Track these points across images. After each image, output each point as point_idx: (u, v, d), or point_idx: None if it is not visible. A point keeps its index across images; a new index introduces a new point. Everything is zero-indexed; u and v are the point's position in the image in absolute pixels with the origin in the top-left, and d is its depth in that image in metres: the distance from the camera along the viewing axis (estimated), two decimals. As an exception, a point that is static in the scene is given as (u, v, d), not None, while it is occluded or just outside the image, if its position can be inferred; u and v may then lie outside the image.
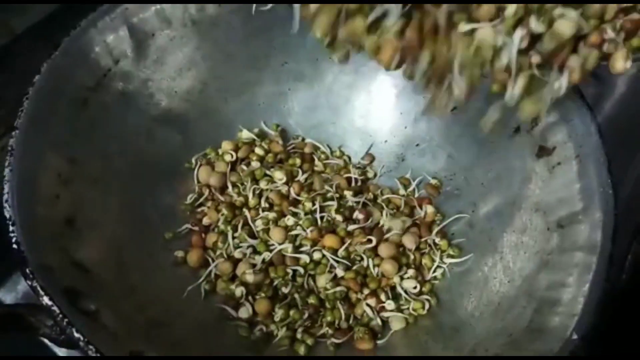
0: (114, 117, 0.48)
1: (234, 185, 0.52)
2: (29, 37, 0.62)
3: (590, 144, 0.44)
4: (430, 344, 0.46)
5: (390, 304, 0.46)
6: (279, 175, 0.51)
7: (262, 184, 0.51)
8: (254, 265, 0.47)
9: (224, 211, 0.49)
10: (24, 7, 0.59)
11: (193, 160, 0.54)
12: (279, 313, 0.45)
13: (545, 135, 0.48)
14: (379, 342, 0.46)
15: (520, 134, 0.50)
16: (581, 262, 0.41)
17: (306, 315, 0.45)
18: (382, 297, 0.47)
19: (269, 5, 0.45)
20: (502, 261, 0.47)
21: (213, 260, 0.48)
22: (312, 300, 0.46)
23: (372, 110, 0.57)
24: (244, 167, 0.53)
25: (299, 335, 0.45)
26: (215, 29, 0.52)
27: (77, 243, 0.41)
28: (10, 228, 0.36)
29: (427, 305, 0.48)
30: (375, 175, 0.57)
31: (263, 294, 0.45)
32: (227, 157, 0.53)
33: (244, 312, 0.45)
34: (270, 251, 0.47)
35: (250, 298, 0.46)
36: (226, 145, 0.54)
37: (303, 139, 0.57)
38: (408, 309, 0.48)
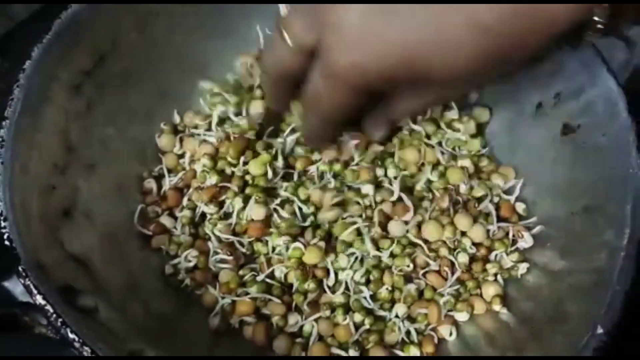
0: (110, 100, 0.46)
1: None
2: (31, 22, 0.60)
3: (618, 121, 0.41)
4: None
5: None
6: None
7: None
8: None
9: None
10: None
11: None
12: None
13: (570, 111, 0.44)
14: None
15: (543, 109, 0.47)
16: (608, 248, 0.38)
17: None
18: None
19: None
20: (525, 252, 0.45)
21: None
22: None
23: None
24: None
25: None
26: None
27: (74, 234, 0.39)
28: (2, 224, 0.34)
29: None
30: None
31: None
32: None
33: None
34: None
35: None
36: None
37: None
38: None
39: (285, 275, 0.43)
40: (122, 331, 0.35)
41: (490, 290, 0.43)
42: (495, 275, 0.44)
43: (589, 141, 0.43)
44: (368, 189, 0.45)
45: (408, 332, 0.42)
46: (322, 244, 0.43)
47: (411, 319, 0.43)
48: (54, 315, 0.31)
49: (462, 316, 0.43)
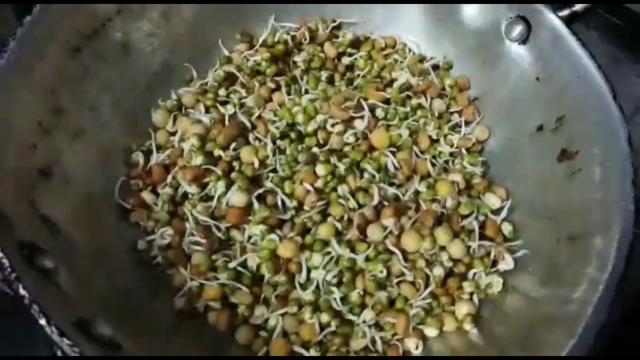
0: (109, 69, 0.46)
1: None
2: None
3: (617, 151, 0.40)
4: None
5: None
6: None
7: None
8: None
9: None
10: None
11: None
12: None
13: (569, 137, 0.43)
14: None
15: (543, 132, 0.46)
16: (589, 280, 0.37)
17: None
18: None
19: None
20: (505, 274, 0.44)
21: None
22: None
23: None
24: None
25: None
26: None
27: (49, 197, 0.39)
28: (-29, 170, 0.34)
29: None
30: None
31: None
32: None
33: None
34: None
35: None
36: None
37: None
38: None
39: (258, 267, 0.42)
40: (78, 296, 0.34)
41: (463, 309, 0.42)
42: (471, 294, 0.43)
43: (584, 169, 0.42)
44: (345, 190, 0.44)
45: (373, 340, 0.41)
46: (299, 239, 0.42)
47: (379, 327, 0.42)
48: (9, 269, 0.31)
49: (431, 331, 0.42)
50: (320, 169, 0.44)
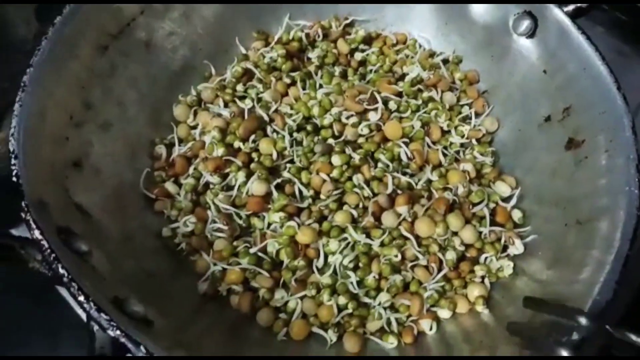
0: (134, 66, 0.48)
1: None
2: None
3: (621, 138, 0.41)
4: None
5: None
6: None
7: None
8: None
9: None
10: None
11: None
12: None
13: (576, 126, 0.45)
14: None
15: (550, 122, 0.47)
16: (595, 261, 0.38)
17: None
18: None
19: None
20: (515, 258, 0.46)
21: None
22: None
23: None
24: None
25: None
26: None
27: (81, 186, 0.41)
28: (13, 161, 0.36)
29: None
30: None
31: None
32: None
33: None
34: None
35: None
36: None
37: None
38: None
39: (277, 252, 0.44)
40: (111, 277, 0.36)
41: (475, 291, 0.44)
42: (483, 277, 0.45)
43: (590, 156, 0.43)
44: (360, 179, 0.46)
45: (389, 321, 0.43)
46: (316, 225, 0.44)
47: (394, 308, 0.44)
48: (48, 250, 0.33)
49: (444, 313, 0.44)
50: (336, 159, 0.46)
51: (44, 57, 0.40)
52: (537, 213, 0.47)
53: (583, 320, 0.33)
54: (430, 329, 0.43)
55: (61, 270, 0.33)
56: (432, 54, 0.56)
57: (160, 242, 0.46)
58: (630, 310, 0.50)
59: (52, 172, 0.39)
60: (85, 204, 0.40)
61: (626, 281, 0.51)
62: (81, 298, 0.32)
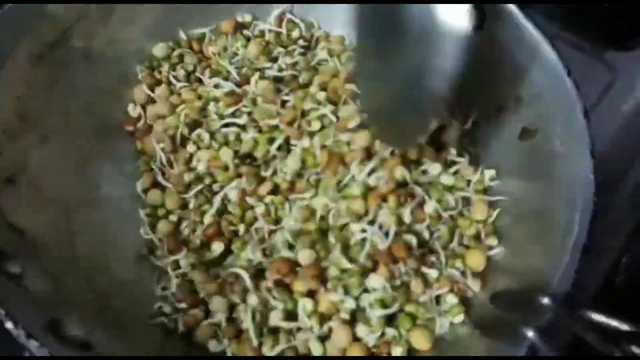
0: (76, 76, 0.46)
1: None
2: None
3: (574, 125, 0.40)
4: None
5: None
6: None
7: None
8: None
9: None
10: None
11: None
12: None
13: (529, 116, 0.44)
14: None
15: (504, 112, 0.47)
16: (553, 251, 0.38)
17: None
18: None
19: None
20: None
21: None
22: None
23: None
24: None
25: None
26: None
27: (16, 204, 0.39)
28: None
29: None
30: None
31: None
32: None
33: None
34: None
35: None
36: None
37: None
38: None
39: None
40: (48, 299, 0.34)
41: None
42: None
43: (545, 146, 0.43)
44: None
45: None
46: None
47: None
48: (-25, 273, 0.31)
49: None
50: None
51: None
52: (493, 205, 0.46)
53: (546, 301, 0.33)
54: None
55: (-10, 294, 0.31)
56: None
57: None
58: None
59: (-20, 189, 0.37)
60: (22, 222, 0.38)
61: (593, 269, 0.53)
62: (8, 325, 0.30)
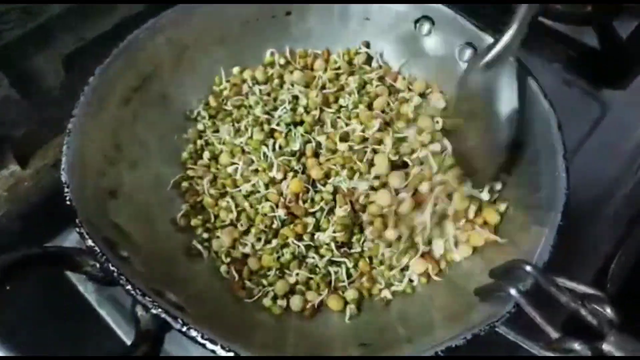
0: (153, 114, 0.59)
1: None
2: (98, 44, 0.70)
3: (549, 136, 0.51)
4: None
5: None
6: None
7: None
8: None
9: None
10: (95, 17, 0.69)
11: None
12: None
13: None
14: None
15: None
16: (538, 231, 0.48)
17: None
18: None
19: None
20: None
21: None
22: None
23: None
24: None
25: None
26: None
27: (117, 210, 0.50)
28: (65, 190, 0.45)
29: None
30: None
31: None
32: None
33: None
34: None
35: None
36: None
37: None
38: None
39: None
40: (147, 276, 0.45)
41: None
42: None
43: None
44: None
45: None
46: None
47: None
48: (100, 254, 0.42)
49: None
50: None
51: (82, 109, 0.51)
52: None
53: (529, 268, 0.41)
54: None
55: (112, 268, 0.42)
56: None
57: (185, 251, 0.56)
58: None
59: (94, 198, 0.48)
60: (121, 223, 0.50)
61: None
62: (128, 287, 0.41)
